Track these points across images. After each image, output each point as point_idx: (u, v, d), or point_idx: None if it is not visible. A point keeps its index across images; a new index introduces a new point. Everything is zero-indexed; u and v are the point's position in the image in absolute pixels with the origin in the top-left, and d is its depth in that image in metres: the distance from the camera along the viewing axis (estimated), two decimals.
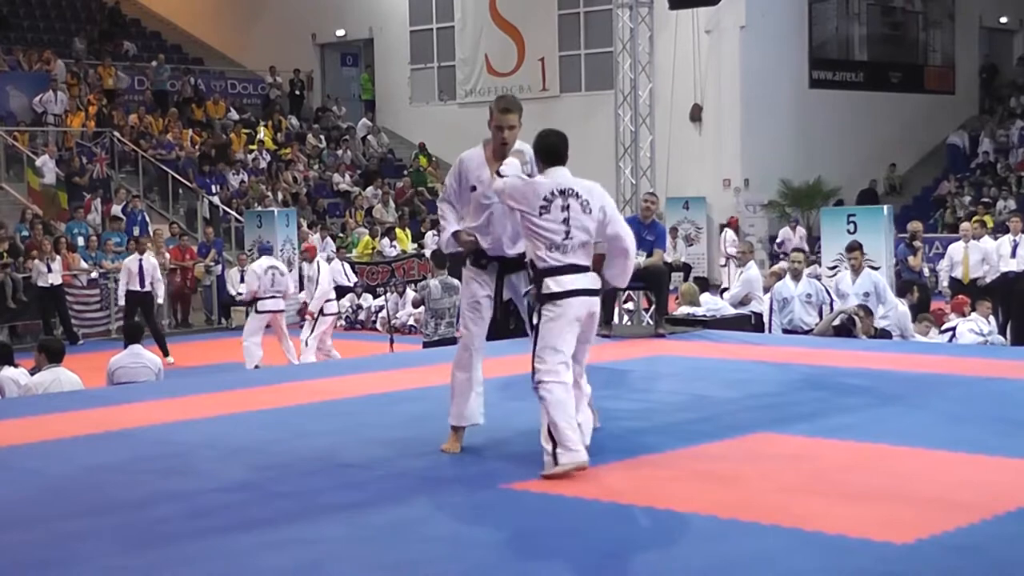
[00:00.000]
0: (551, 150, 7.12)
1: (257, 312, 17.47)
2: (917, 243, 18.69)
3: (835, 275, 15.39)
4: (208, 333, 22.80)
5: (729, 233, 27.51)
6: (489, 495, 6.54)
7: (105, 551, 5.70)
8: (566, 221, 6.90)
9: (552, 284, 6.90)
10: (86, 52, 32.60)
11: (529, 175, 7.20)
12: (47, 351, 11.64)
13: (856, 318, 13.51)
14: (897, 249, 18.40)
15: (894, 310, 14.19)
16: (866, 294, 14.05)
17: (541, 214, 6.89)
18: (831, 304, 14.34)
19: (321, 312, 17.27)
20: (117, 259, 22.68)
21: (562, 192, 6.93)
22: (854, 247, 14.64)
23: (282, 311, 17.60)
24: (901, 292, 15.45)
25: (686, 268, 24.64)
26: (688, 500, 6.31)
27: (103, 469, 7.40)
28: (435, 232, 26.48)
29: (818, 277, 16.15)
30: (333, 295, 17.51)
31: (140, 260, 19.91)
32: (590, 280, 7.04)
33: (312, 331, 17.20)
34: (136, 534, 5.95)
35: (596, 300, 7.12)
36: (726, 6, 25.05)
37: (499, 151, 7.36)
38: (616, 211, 7.23)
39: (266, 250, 19.03)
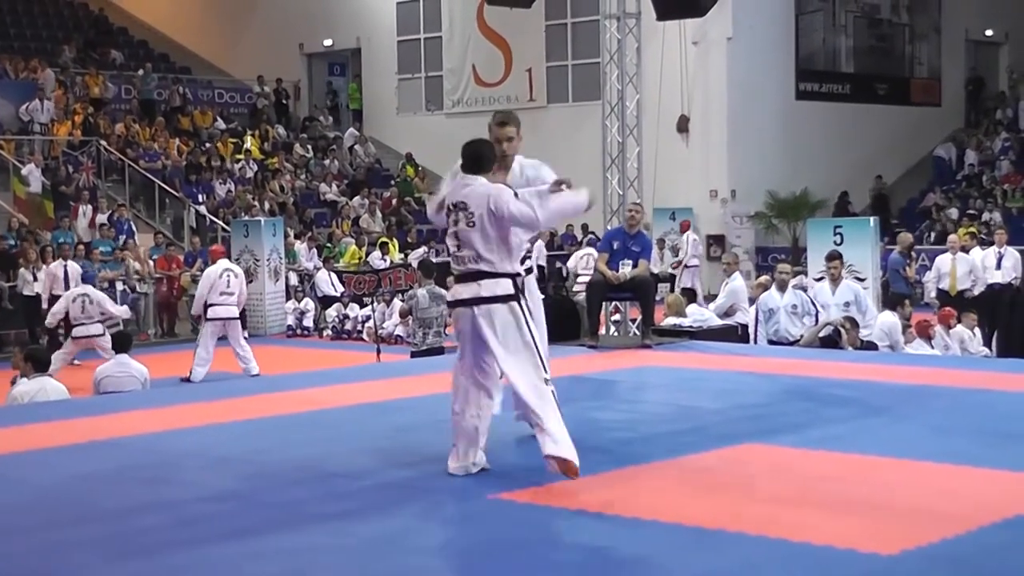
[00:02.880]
0: (473, 158, 7.11)
1: (73, 338, 17.69)
2: (913, 254, 18.74)
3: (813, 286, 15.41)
4: (194, 343, 22.70)
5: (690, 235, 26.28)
6: (476, 505, 6.54)
7: (91, 561, 5.69)
8: (456, 235, 6.96)
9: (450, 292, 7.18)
10: (73, 61, 32.55)
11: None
12: (33, 360, 11.59)
13: (842, 330, 13.54)
14: (889, 259, 18.46)
15: (874, 320, 14.24)
16: (847, 304, 14.10)
17: (447, 228, 7.06)
18: (816, 315, 14.37)
19: (206, 317, 17.14)
20: (104, 268, 22.66)
21: (454, 206, 6.97)
22: (834, 256, 14.68)
23: (101, 335, 17.60)
24: (892, 305, 15.50)
25: (671, 279, 24.59)
26: (675, 511, 6.32)
27: (89, 478, 7.37)
28: (427, 248, 26.47)
29: (804, 288, 16.18)
30: (219, 299, 17.13)
31: (65, 265, 20.03)
32: (481, 288, 6.90)
33: (200, 339, 17.21)
34: (122, 544, 5.94)
35: (479, 308, 6.88)
36: (713, 18, 25.12)
37: (500, 163, 7.47)
38: (510, 205, 6.88)
39: (88, 279, 19.34)
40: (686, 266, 24.81)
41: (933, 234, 29.16)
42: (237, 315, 17.47)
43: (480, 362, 7.00)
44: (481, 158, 7.10)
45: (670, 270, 24.16)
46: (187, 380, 16.44)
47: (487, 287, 6.88)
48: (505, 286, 6.90)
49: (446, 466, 7.04)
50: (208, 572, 5.51)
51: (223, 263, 17.77)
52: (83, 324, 17.66)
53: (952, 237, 20.38)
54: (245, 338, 18.51)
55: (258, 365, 17.11)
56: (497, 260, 6.90)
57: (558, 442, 6.70)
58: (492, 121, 7.75)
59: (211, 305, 17.06)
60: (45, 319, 19.31)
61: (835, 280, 14.41)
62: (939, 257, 19.63)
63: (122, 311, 18.78)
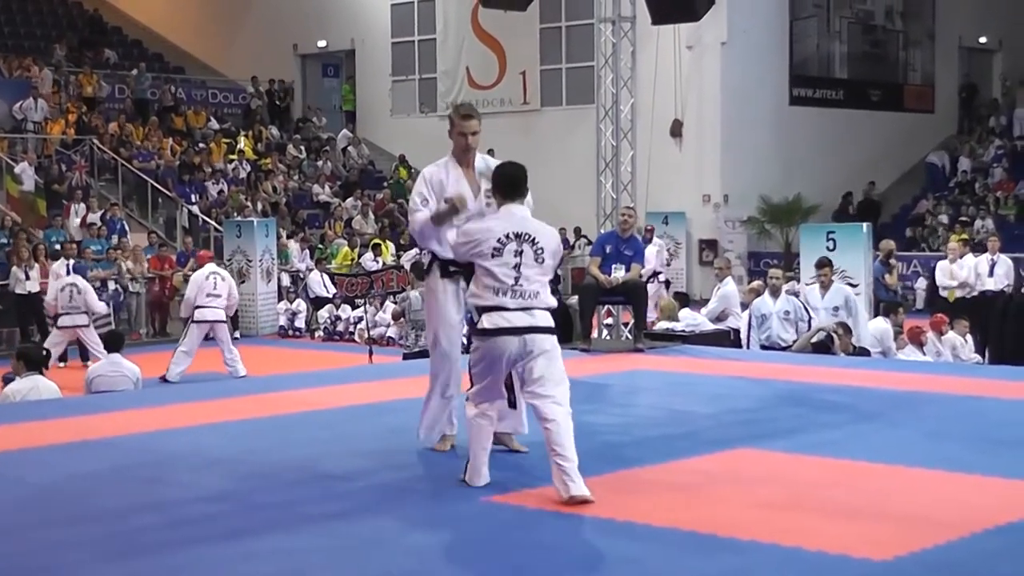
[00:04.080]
0: (511, 183, 6.88)
1: (58, 328, 18.13)
2: (892, 261, 18.76)
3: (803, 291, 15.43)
4: None
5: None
6: (469, 508, 6.55)
7: (86, 561, 5.69)
8: (517, 267, 6.64)
9: (484, 320, 6.68)
10: (66, 59, 32.53)
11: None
12: (26, 359, 11.58)
13: (834, 335, 13.56)
14: (873, 266, 18.45)
15: (864, 324, 14.26)
16: (836, 308, 14.11)
17: (493, 256, 6.64)
18: (809, 321, 14.39)
19: (193, 319, 17.24)
20: (96, 267, 22.64)
21: (517, 236, 6.68)
22: (823, 263, 14.72)
23: (86, 326, 18.11)
24: (885, 312, 15.52)
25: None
26: (667, 515, 6.33)
27: (84, 478, 7.37)
28: (419, 252, 26.38)
29: (796, 294, 16.20)
30: (206, 301, 17.24)
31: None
32: (535, 319, 6.69)
33: (184, 338, 17.37)
34: (117, 544, 5.94)
35: (533, 337, 6.65)
36: (708, 22, 25.14)
37: (463, 158, 7.44)
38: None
39: (80, 269, 19.64)
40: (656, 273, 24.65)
41: (905, 240, 29.28)
42: (224, 318, 17.48)
43: (500, 393, 6.87)
44: (518, 182, 6.87)
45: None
46: (164, 380, 16.45)
47: (541, 318, 6.71)
48: (550, 319, 6.78)
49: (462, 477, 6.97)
50: (204, 572, 5.52)
51: (210, 267, 17.88)
52: (69, 314, 17.98)
53: (952, 244, 20.40)
54: (235, 338, 18.55)
55: (246, 367, 17.12)
56: (545, 294, 6.78)
57: (579, 481, 6.55)
58: (455, 113, 7.51)
59: (198, 307, 17.17)
60: (42, 316, 19.49)
61: (825, 286, 14.42)
62: (939, 263, 19.65)
63: (102, 308, 18.93)
